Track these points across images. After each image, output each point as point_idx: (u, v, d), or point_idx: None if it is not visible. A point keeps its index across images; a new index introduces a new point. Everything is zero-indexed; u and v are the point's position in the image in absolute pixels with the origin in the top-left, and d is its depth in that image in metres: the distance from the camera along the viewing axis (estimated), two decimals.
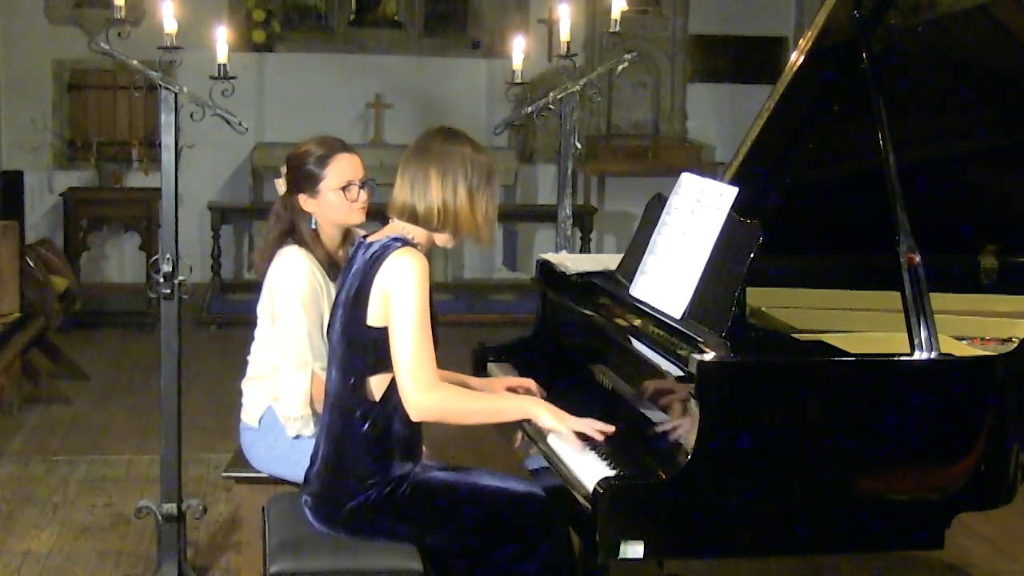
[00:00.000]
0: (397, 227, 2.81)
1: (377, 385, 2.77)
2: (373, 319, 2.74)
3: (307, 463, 2.92)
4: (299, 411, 3.20)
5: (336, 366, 2.84)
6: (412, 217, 2.78)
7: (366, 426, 2.76)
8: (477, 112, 8.98)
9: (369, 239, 2.85)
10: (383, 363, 2.74)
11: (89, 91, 8.60)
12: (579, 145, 4.25)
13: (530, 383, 3.11)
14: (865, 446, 2.56)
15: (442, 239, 2.83)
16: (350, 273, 2.83)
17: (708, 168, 8.27)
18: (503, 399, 2.97)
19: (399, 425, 2.77)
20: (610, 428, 2.72)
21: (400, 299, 2.69)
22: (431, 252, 2.85)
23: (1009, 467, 2.65)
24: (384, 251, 2.74)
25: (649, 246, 2.99)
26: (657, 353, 2.67)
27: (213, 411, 5.46)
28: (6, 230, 5.78)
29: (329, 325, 2.93)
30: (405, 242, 2.76)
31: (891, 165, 2.81)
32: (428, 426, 2.87)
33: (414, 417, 2.73)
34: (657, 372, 2.65)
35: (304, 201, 3.28)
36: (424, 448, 3.01)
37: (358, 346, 2.77)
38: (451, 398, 2.75)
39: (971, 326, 3.12)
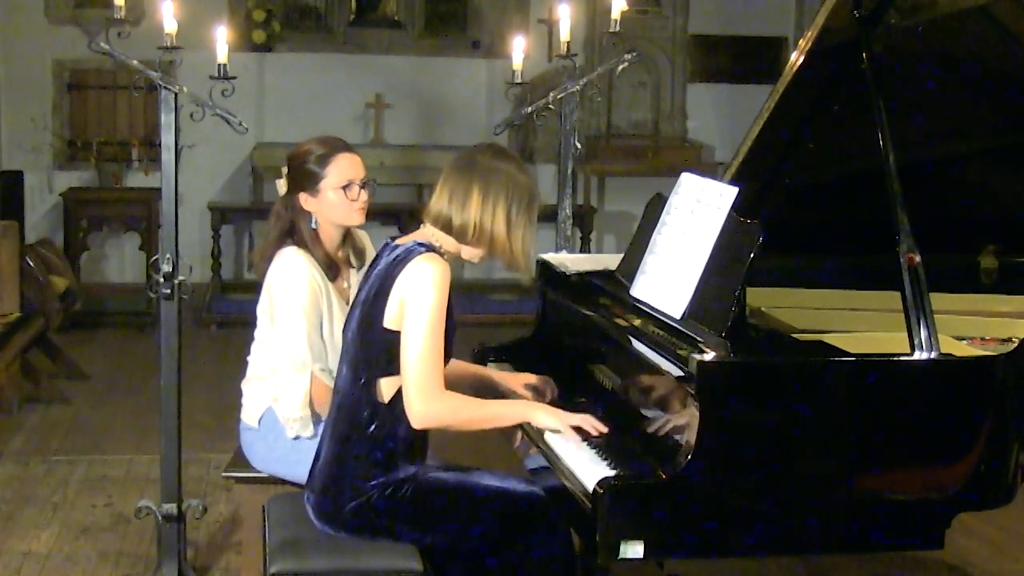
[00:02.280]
0: (427, 232, 2.81)
1: (387, 387, 2.76)
2: (389, 321, 2.74)
3: (307, 463, 2.92)
4: (298, 412, 3.20)
5: (348, 364, 2.83)
6: (446, 227, 2.78)
7: (373, 427, 2.76)
8: (477, 112, 8.98)
9: (396, 241, 2.85)
10: (395, 365, 2.74)
11: (89, 91, 8.60)
12: (579, 145, 4.24)
13: (548, 382, 3.13)
14: (865, 446, 2.56)
15: (470, 253, 2.82)
16: (373, 272, 2.83)
17: (708, 168, 8.26)
18: (501, 405, 2.98)
19: (405, 429, 2.77)
20: (604, 428, 2.75)
21: (416, 305, 2.69)
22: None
23: (1009, 467, 2.65)
24: (408, 255, 2.74)
25: (649, 246, 2.99)
26: (657, 353, 2.67)
27: (213, 411, 5.46)
28: (6, 230, 5.79)
29: (345, 323, 2.92)
30: (430, 248, 2.76)
31: (891, 165, 2.81)
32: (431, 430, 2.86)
33: (415, 424, 2.74)
34: (657, 372, 2.65)
35: (304, 200, 3.28)
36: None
37: (372, 346, 2.77)
38: (452, 409, 2.76)
39: (971, 326, 3.12)
